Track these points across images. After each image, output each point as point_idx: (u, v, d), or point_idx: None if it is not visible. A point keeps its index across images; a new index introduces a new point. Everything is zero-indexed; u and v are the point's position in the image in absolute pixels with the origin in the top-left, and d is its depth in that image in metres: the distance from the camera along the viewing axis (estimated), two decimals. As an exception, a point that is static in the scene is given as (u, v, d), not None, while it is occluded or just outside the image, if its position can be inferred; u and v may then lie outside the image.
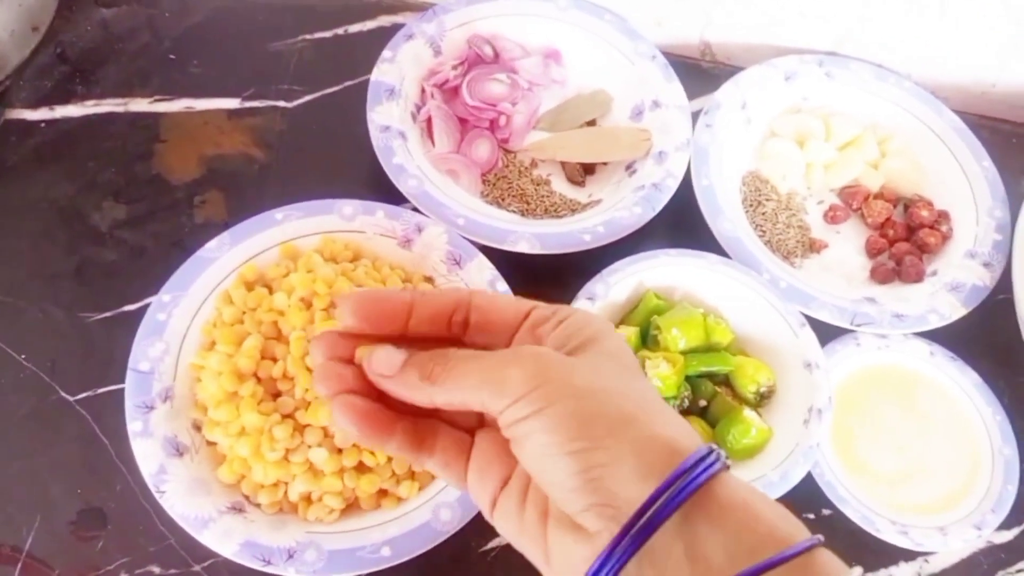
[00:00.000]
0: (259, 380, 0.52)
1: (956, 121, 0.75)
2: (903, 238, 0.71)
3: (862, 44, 0.77)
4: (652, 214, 0.65)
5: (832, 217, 0.73)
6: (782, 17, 0.75)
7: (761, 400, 0.60)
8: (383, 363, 0.30)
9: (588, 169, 0.72)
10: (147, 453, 0.50)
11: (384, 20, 0.79)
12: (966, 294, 0.66)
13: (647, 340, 0.61)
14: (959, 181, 0.72)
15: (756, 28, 0.77)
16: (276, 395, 0.52)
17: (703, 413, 0.60)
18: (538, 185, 0.71)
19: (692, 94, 0.75)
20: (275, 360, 0.53)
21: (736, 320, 0.63)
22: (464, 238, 0.62)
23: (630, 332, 0.59)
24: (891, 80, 0.76)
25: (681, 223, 0.68)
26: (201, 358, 0.54)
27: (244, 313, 0.55)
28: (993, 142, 0.77)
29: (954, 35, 0.74)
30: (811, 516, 0.60)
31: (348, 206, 0.62)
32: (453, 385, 0.29)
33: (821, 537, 0.26)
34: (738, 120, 0.73)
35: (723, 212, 0.66)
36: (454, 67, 0.71)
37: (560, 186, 0.71)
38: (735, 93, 0.73)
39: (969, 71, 0.77)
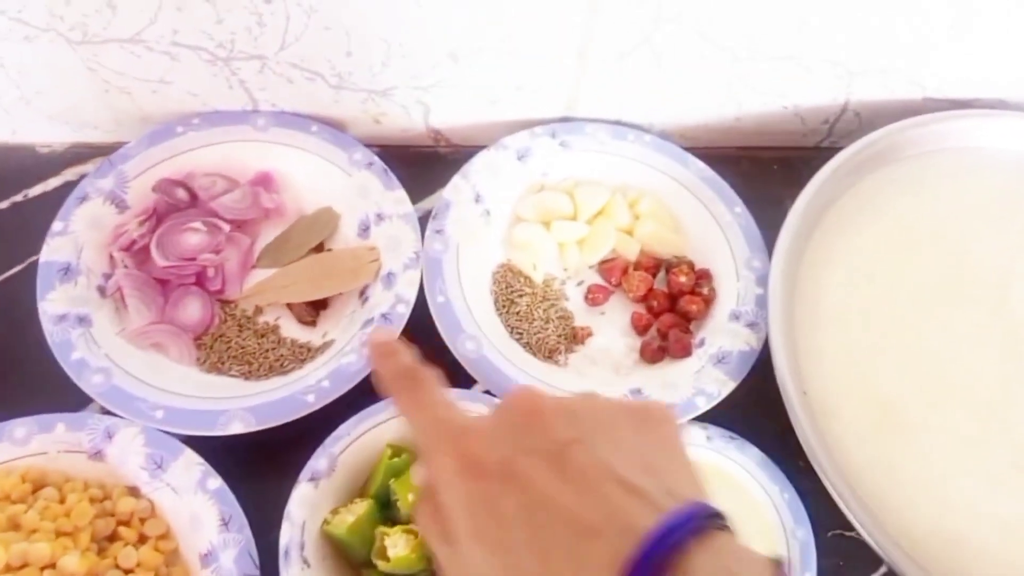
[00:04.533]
0: None
1: (704, 170, 0.70)
2: (667, 309, 0.66)
3: (594, 102, 0.71)
4: (384, 351, 0.58)
5: (592, 299, 0.67)
6: (500, 95, 0.69)
7: (526, 546, 0.53)
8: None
9: (320, 304, 0.65)
10: None
11: (70, 174, 0.70)
12: (733, 364, 0.61)
13: (389, 507, 0.54)
14: (714, 233, 0.68)
15: (477, 109, 0.71)
16: None
17: None
18: (263, 336, 0.63)
19: (434, 185, 0.69)
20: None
21: (491, 455, 0.56)
22: (166, 432, 0.54)
23: (362, 508, 0.52)
24: (630, 136, 0.72)
25: (427, 348, 0.61)
26: None
27: None
28: (753, 173, 0.74)
29: (681, 80, 0.69)
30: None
31: (19, 427, 0.53)
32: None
33: None
34: (474, 215, 0.67)
35: (464, 331, 0.60)
36: (140, 223, 0.63)
37: (291, 330, 0.64)
38: (464, 187, 0.67)
39: (709, 110, 0.73)
